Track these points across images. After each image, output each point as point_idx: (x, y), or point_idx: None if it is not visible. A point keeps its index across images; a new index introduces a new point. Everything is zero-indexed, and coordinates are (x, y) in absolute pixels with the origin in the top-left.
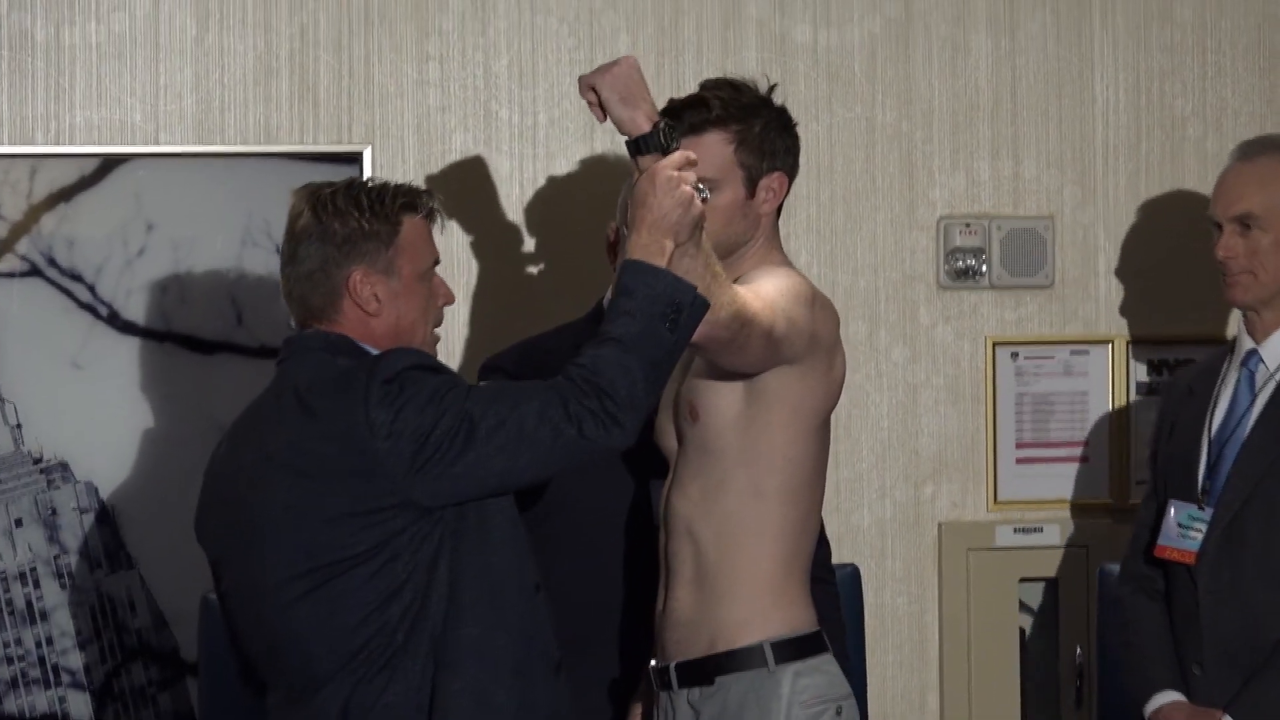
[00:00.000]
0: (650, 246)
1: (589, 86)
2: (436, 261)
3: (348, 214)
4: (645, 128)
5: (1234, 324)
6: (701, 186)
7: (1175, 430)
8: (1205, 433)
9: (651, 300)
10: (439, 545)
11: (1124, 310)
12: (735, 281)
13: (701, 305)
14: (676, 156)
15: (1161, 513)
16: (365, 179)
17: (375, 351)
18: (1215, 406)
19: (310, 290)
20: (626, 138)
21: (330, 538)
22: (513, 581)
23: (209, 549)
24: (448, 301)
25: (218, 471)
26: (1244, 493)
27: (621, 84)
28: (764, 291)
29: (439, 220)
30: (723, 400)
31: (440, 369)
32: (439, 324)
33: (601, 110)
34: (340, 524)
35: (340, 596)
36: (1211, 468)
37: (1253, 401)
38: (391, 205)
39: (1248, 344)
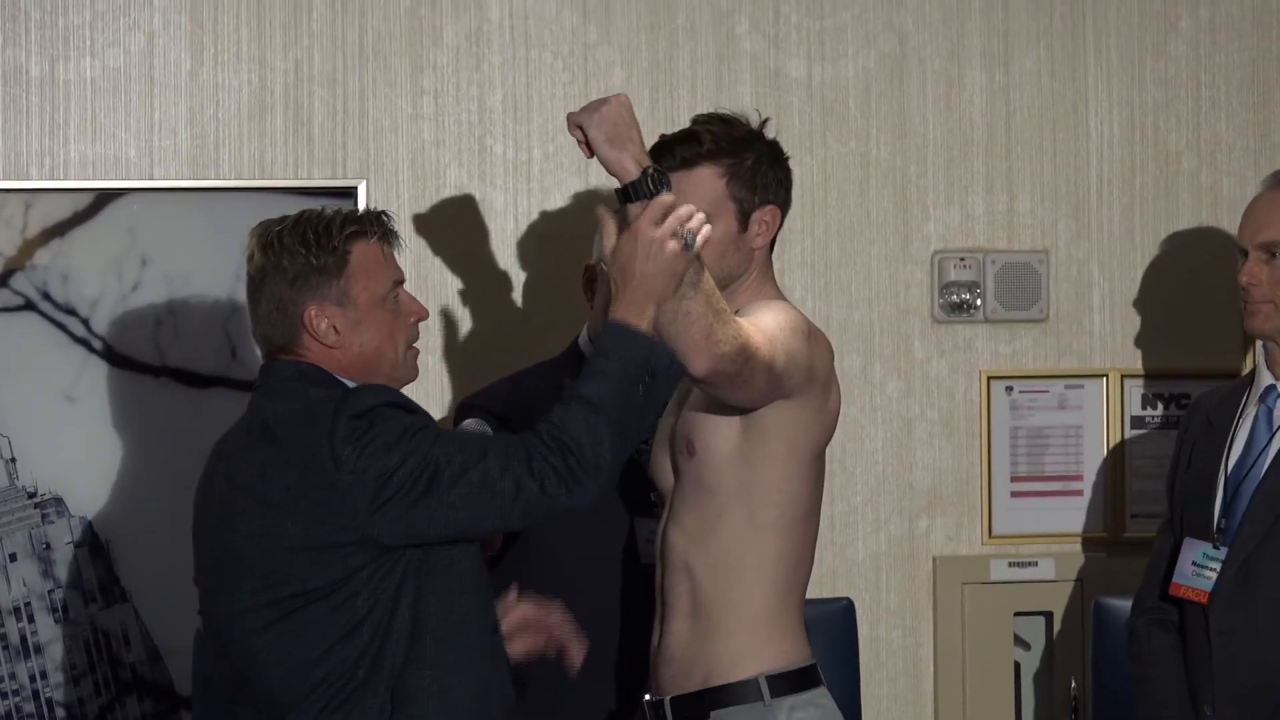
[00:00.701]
0: (632, 309)
1: (576, 124)
2: (399, 281)
3: (295, 250)
4: (633, 172)
5: (1229, 357)
6: (688, 232)
7: (1193, 463)
8: (1221, 470)
9: (626, 363)
10: (400, 584)
11: (1118, 344)
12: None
13: (677, 371)
14: (655, 211)
15: (1177, 544)
16: (316, 210)
17: (349, 382)
18: (1232, 442)
19: (271, 329)
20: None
21: (291, 569)
22: (475, 624)
23: (196, 577)
24: (419, 317)
25: (198, 501)
26: (1259, 533)
27: (609, 125)
28: (762, 325)
29: (395, 241)
30: (719, 435)
31: (413, 408)
32: (413, 339)
33: (588, 148)
34: (301, 556)
35: (301, 629)
36: (1227, 506)
37: (1270, 439)
38: (339, 235)
39: (1266, 379)
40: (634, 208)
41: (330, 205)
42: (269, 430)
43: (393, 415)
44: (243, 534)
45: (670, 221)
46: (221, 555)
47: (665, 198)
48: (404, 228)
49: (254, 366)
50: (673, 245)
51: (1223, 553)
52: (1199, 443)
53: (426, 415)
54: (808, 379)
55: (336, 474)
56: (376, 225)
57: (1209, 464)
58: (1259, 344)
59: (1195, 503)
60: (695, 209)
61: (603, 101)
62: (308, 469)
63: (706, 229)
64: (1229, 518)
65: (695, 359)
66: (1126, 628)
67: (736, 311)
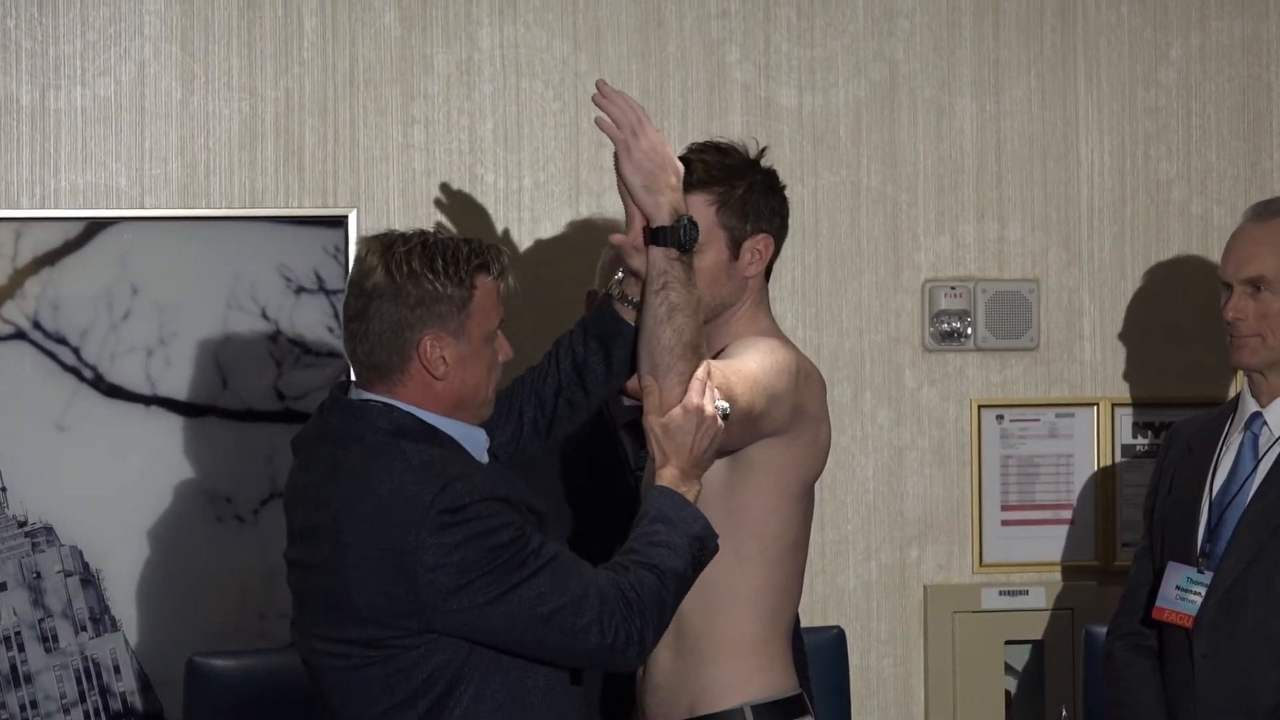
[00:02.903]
0: (684, 482)
1: (603, 124)
2: (502, 321)
3: (422, 275)
4: (667, 219)
5: (1220, 386)
6: (725, 405)
7: (1173, 489)
8: (1205, 494)
9: (690, 539)
10: (464, 663)
11: (1109, 372)
12: (721, 351)
13: (714, 553)
14: (700, 385)
15: (1156, 570)
16: (436, 234)
17: (444, 426)
18: (1216, 468)
19: (377, 349)
20: (646, 222)
21: (352, 633)
22: (541, 687)
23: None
24: (507, 358)
25: (290, 499)
26: (1245, 558)
27: (646, 173)
28: (745, 367)
29: (508, 280)
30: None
31: (512, 500)
32: (498, 381)
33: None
34: (364, 626)
35: (362, 683)
36: (1212, 531)
37: (1256, 466)
38: (466, 268)
39: (1251, 406)
40: (655, 251)
41: (320, 236)
42: (363, 488)
43: (489, 513)
44: (319, 573)
45: (710, 393)
46: (307, 572)
47: (702, 373)
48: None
49: (245, 395)
50: (717, 425)
51: (1207, 577)
52: (1179, 469)
53: (523, 511)
54: (794, 416)
55: (415, 561)
56: (499, 263)
57: (1191, 490)
58: (1233, 374)
59: (1177, 528)
60: (709, 370)
61: (637, 137)
62: (387, 548)
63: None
64: (1213, 543)
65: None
66: (1103, 652)
67: (726, 349)
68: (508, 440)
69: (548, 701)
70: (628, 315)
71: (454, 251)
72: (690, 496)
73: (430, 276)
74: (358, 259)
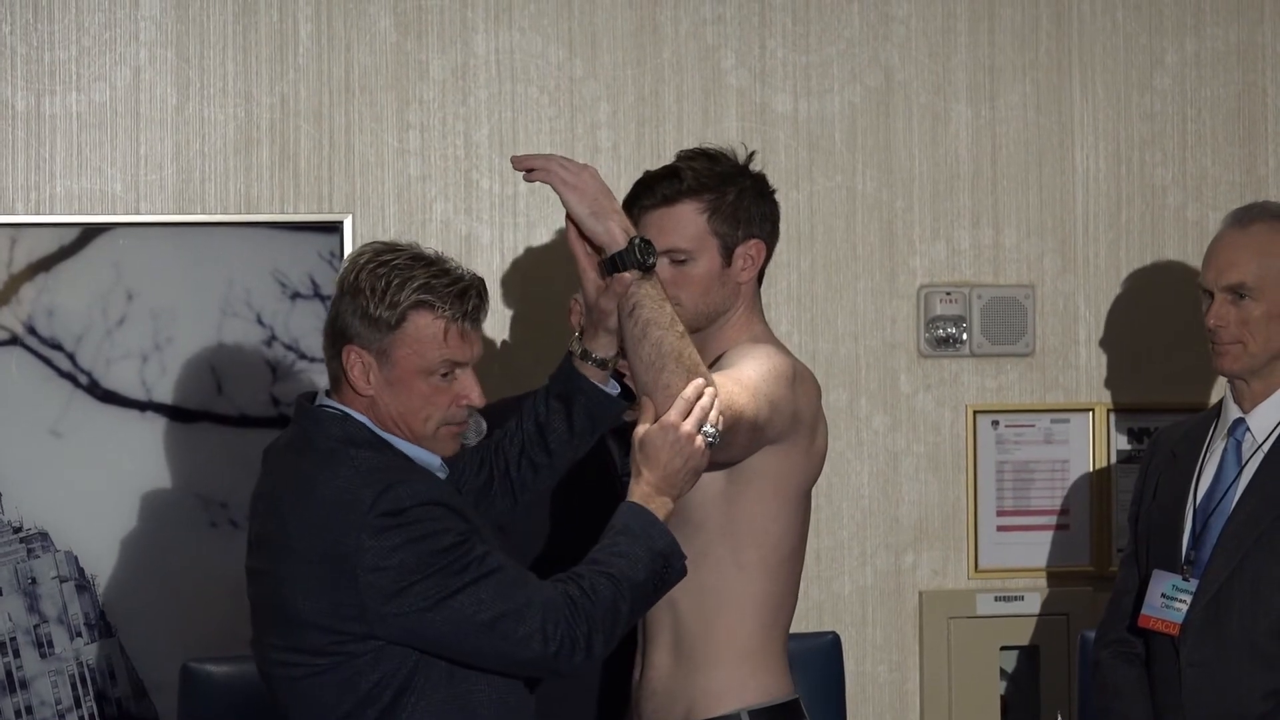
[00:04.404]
0: (655, 499)
1: (533, 177)
2: (456, 362)
3: (363, 290)
4: (621, 241)
5: (1217, 391)
6: (712, 432)
7: (1158, 495)
8: (1190, 501)
9: (652, 555)
10: (414, 669)
11: (1105, 378)
12: (716, 360)
13: (680, 573)
14: (684, 404)
15: (1141, 577)
16: (417, 257)
17: (395, 441)
18: (1200, 475)
19: (326, 345)
20: (595, 253)
21: (302, 641)
22: (492, 700)
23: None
24: (469, 403)
25: (256, 506)
26: (1229, 565)
27: (590, 199)
28: (745, 376)
29: (473, 324)
30: (704, 476)
31: (453, 506)
32: (455, 419)
33: (526, 172)
34: (310, 631)
35: (311, 691)
36: (1196, 538)
37: (1239, 472)
38: (406, 298)
39: (1234, 413)
40: (619, 276)
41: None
42: (308, 493)
43: (429, 517)
44: (268, 580)
45: (696, 413)
46: (251, 584)
47: (690, 393)
48: None
49: (239, 401)
50: (700, 443)
51: (1193, 584)
52: (1164, 476)
53: (469, 520)
54: (792, 424)
55: (356, 563)
56: (452, 306)
57: (1176, 497)
58: (1223, 380)
59: (1162, 535)
60: (714, 398)
61: (575, 171)
62: (329, 552)
63: (716, 412)
64: (1199, 550)
65: None
66: (1091, 660)
67: (721, 358)
68: (478, 495)
69: (498, 714)
70: (589, 372)
71: (408, 279)
72: (660, 513)
73: (368, 294)
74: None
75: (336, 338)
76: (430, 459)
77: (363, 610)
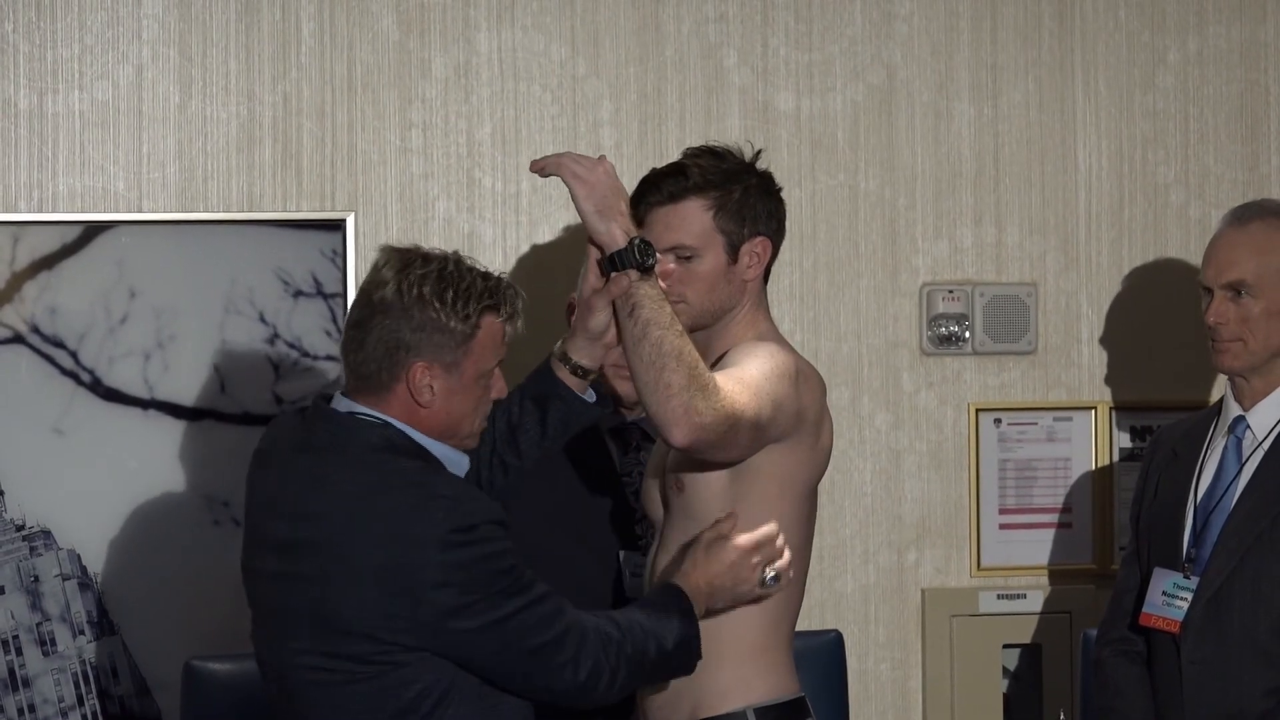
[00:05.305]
0: (699, 596)
1: (549, 172)
2: (500, 360)
3: (430, 303)
4: (621, 242)
5: (1219, 390)
6: (773, 576)
7: (1159, 494)
8: (1190, 499)
9: (684, 638)
10: (450, 684)
11: (1107, 376)
12: (720, 358)
13: (688, 670)
14: (759, 535)
15: (1142, 576)
16: (458, 261)
17: (431, 446)
18: (1201, 473)
19: (369, 362)
20: (599, 253)
21: (342, 647)
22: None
23: (246, 563)
24: (500, 396)
25: (254, 509)
26: (1230, 563)
27: (599, 196)
28: (747, 375)
29: (516, 324)
30: (709, 474)
31: (507, 526)
32: (487, 414)
33: (540, 173)
34: (355, 641)
35: (344, 699)
36: (1197, 536)
37: (1240, 470)
38: (475, 305)
39: (1235, 410)
40: (618, 276)
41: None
42: (362, 503)
43: (495, 536)
44: (304, 586)
45: (767, 551)
46: (279, 588)
47: (772, 531)
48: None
49: (242, 399)
50: (755, 577)
51: (1194, 582)
52: (1165, 474)
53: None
54: (797, 422)
55: (419, 578)
56: (510, 305)
57: (1176, 495)
58: (1224, 377)
59: (1163, 533)
60: (784, 544)
61: (589, 167)
62: (389, 564)
63: (787, 572)
64: (1199, 548)
65: (674, 431)
66: (1092, 658)
67: (722, 357)
68: None
69: None
70: (565, 376)
71: (468, 286)
72: (700, 611)
73: (437, 306)
74: (375, 267)
75: (395, 355)
76: (460, 459)
77: (418, 624)
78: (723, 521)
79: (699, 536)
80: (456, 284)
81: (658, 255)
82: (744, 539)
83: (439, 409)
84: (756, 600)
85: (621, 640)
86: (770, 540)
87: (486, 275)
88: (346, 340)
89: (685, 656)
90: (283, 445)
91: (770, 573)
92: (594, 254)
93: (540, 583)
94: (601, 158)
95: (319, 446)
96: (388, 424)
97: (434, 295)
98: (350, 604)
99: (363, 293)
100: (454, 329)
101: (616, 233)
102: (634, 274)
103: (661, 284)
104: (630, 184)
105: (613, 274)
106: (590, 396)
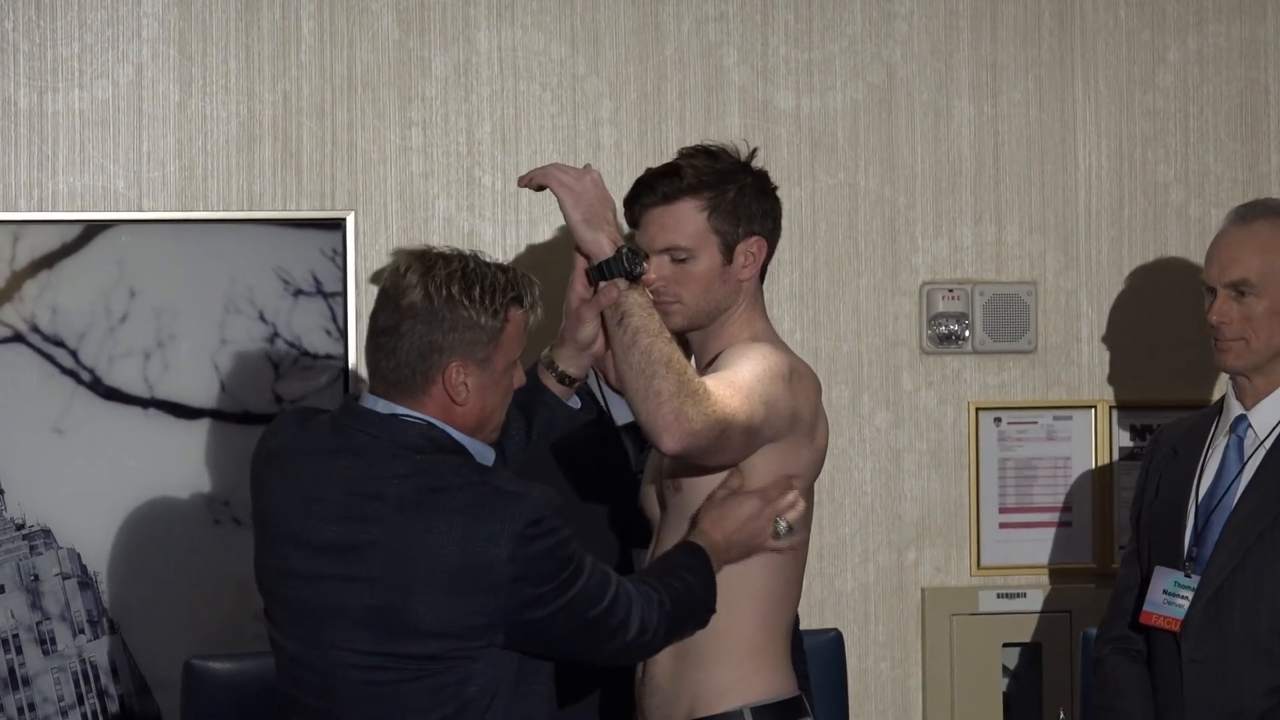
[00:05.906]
0: (717, 551)
1: (538, 185)
2: (522, 351)
3: (459, 302)
4: (609, 252)
5: (1219, 388)
6: (785, 527)
7: (1160, 493)
8: (1192, 498)
9: (703, 600)
10: (499, 678)
11: (1107, 375)
12: (714, 359)
13: (705, 622)
14: (776, 488)
15: (1143, 575)
16: (475, 259)
17: (467, 443)
18: (1202, 472)
19: (402, 367)
20: (587, 262)
21: (410, 647)
22: (540, 692)
23: (264, 575)
24: (520, 385)
25: (275, 506)
26: (1231, 562)
27: (585, 205)
28: (739, 378)
29: (537, 313)
30: (705, 474)
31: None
32: (508, 407)
33: (531, 186)
34: (422, 640)
35: (399, 697)
36: (1198, 534)
37: (1241, 469)
38: (502, 299)
39: (1236, 409)
40: (606, 286)
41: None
42: (426, 504)
43: (559, 525)
44: (363, 588)
45: (780, 504)
46: (325, 589)
47: (782, 481)
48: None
49: (242, 398)
50: (768, 529)
51: (1194, 581)
52: (1165, 473)
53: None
54: (791, 423)
55: (500, 574)
56: (531, 295)
57: (1177, 493)
58: (1225, 376)
59: (1164, 532)
60: (798, 495)
61: (577, 177)
62: (468, 564)
63: (797, 513)
64: (1200, 546)
65: (665, 438)
66: (1092, 657)
67: (719, 357)
68: None
69: (548, 709)
70: (551, 384)
71: (491, 281)
72: (718, 567)
73: (467, 304)
74: (395, 273)
75: (429, 358)
76: (488, 453)
77: (499, 619)
78: (731, 478)
79: (711, 495)
80: (481, 280)
81: (645, 264)
82: (756, 491)
83: (473, 405)
84: (772, 552)
85: (661, 599)
86: (781, 491)
87: (503, 268)
88: (374, 346)
89: (705, 611)
90: (308, 446)
91: (783, 524)
92: (581, 264)
93: (586, 553)
94: (587, 166)
95: (361, 448)
96: (431, 424)
97: (462, 294)
98: (422, 604)
99: (387, 298)
100: (485, 325)
101: (604, 242)
102: (622, 283)
103: (659, 285)
104: (629, 183)
105: (601, 283)
106: (575, 403)
